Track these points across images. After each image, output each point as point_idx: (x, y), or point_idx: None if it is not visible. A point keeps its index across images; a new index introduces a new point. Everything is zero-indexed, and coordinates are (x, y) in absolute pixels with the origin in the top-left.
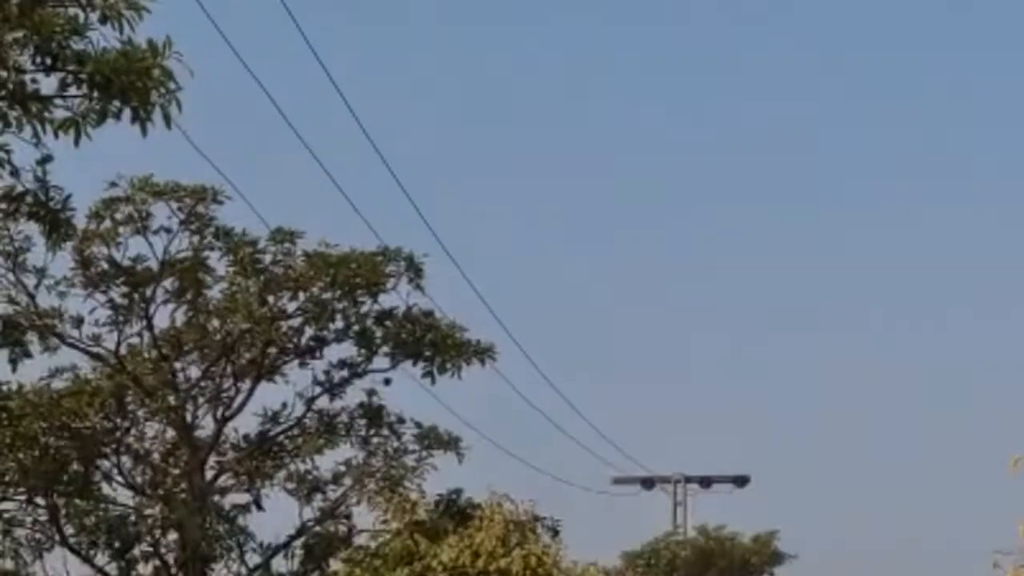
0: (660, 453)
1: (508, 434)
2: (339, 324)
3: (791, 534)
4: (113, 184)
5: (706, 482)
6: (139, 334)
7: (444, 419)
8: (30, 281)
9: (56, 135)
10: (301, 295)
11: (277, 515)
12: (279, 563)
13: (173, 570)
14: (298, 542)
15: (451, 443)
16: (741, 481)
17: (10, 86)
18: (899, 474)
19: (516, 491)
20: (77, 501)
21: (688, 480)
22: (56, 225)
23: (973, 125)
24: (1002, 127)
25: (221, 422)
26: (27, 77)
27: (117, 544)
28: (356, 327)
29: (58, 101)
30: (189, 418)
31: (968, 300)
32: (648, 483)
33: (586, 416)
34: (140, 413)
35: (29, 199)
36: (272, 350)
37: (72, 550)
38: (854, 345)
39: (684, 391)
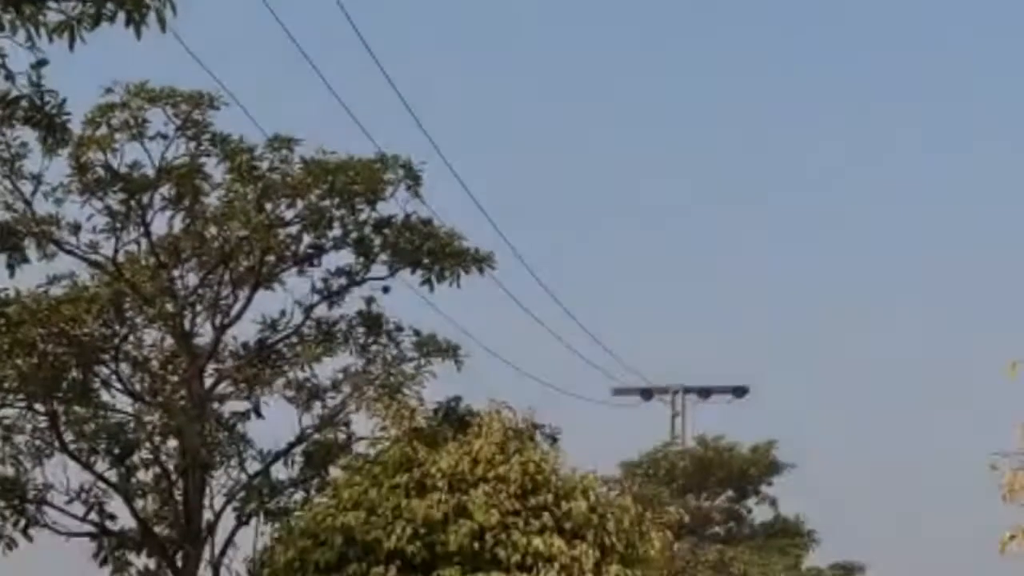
0: (659, 364)
1: (507, 344)
2: (337, 232)
3: (790, 445)
4: (108, 90)
5: (705, 393)
6: (136, 241)
7: (443, 329)
8: (27, 188)
9: (50, 39)
10: (299, 202)
11: (276, 423)
12: (279, 470)
13: (173, 477)
14: (297, 449)
15: (450, 351)
16: (740, 392)
17: None
18: (898, 382)
19: (514, 401)
20: (76, 408)
21: (687, 391)
22: (52, 130)
23: None
24: None
25: (219, 330)
26: None
27: (117, 451)
28: (354, 235)
29: (52, 4)
30: (187, 325)
31: (969, 226)
32: (647, 394)
33: (585, 326)
34: (138, 320)
35: (24, 104)
36: (270, 258)
37: (72, 456)
38: (854, 255)
39: (683, 302)
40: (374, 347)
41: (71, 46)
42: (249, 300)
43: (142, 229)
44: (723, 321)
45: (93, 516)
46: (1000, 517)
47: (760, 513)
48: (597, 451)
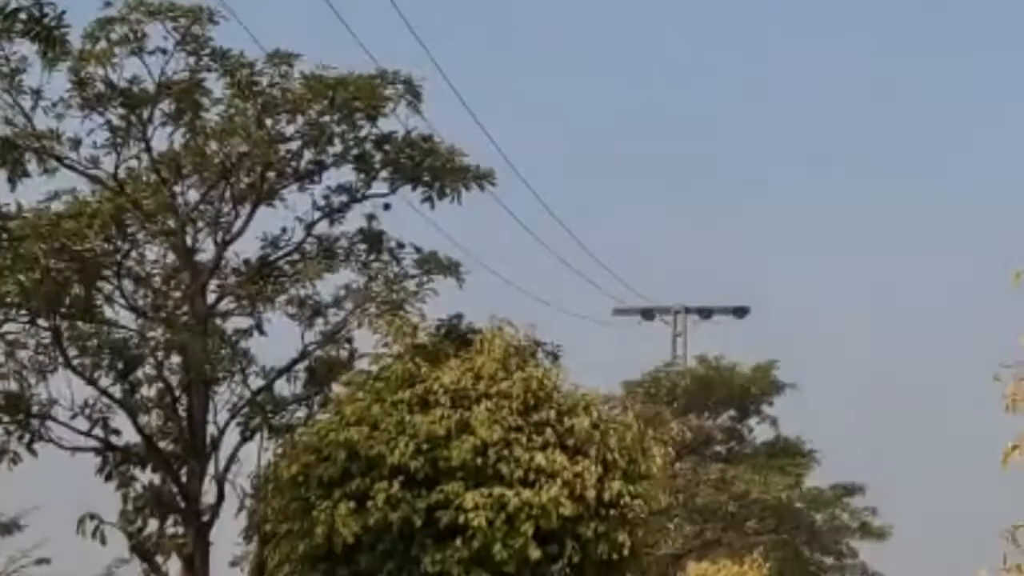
0: (660, 284)
1: (508, 264)
2: (338, 148)
3: (790, 365)
4: (107, 3)
5: (706, 313)
6: (137, 157)
7: (444, 247)
8: (26, 102)
9: None
10: (299, 118)
11: (279, 339)
12: (282, 386)
13: (177, 392)
14: (300, 366)
15: (451, 268)
16: (741, 312)
17: None
18: (899, 299)
19: (516, 320)
20: (79, 324)
21: (688, 311)
22: (51, 43)
23: None
24: None
25: (221, 246)
26: None
27: (120, 366)
28: (355, 151)
29: None
30: (189, 242)
31: (969, 139)
32: (648, 314)
33: (586, 245)
34: (140, 236)
35: (23, 16)
36: (271, 174)
37: (75, 372)
38: (857, 176)
39: (685, 221)
40: (376, 264)
41: None
42: (250, 216)
43: (143, 144)
44: (725, 240)
45: (97, 431)
46: (1003, 430)
47: (761, 433)
48: (599, 371)
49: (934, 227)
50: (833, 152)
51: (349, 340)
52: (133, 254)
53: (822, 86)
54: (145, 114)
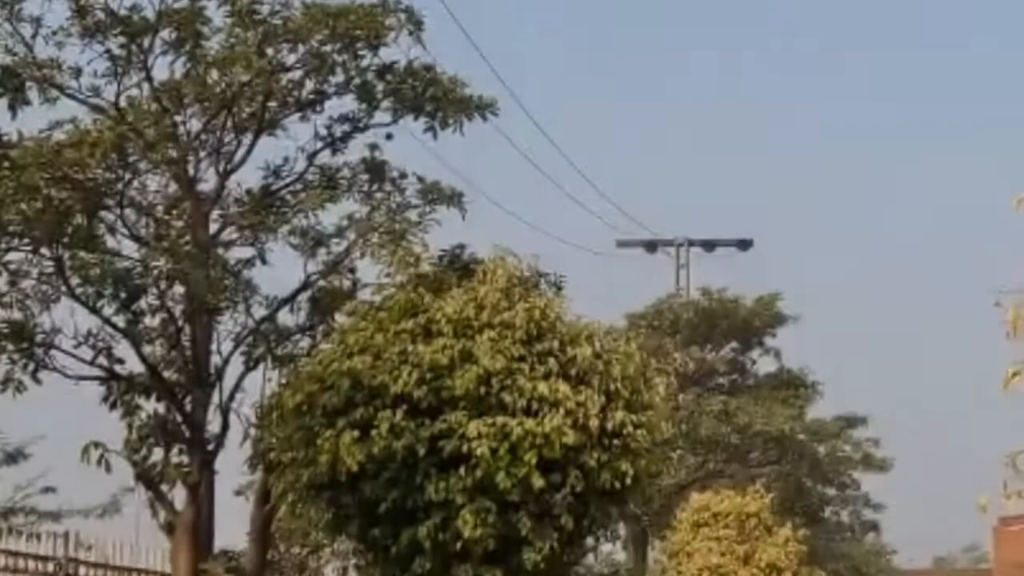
0: (664, 217)
1: (510, 196)
2: (339, 78)
3: (793, 298)
4: None
5: (709, 245)
6: (138, 86)
7: (446, 179)
8: (26, 31)
9: None
10: (300, 47)
11: (281, 269)
12: (285, 316)
13: (180, 322)
14: (303, 296)
15: (454, 198)
16: (744, 245)
17: None
18: (899, 229)
19: (518, 251)
20: (82, 253)
21: (691, 244)
22: None
23: None
24: None
25: (223, 176)
26: None
27: (123, 295)
28: (356, 81)
29: None
30: (191, 171)
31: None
32: (651, 246)
33: (589, 177)
34: (142, 165)
35: None
36: (272, 103)
37: (79, 301)
38: (856, 107)
39: (689, 152)
40: (378, 194)
41: None
42: (252, 146)
43: (143, 74)
44: (728, 173)
45: (101, 360)
46: (1002, 357)
47: (764, 365)
48: (602, 303)
49: (936, 156)
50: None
51: (352, 270)
52: (135, 183)
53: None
54: (145, 43)
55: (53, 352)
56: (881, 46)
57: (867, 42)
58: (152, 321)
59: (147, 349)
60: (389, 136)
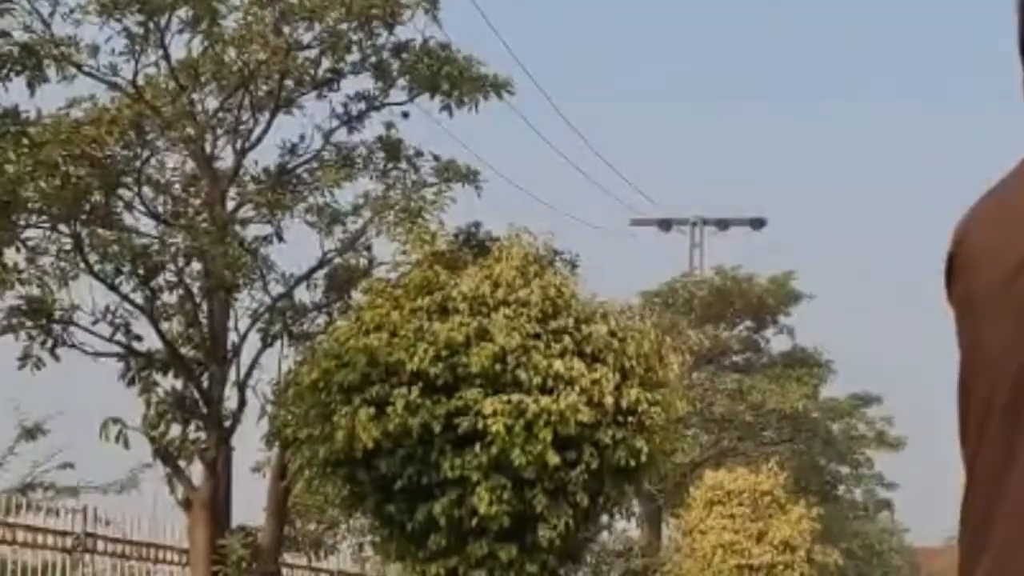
0: (678, 195)
1: (526, 175)
2: (355, 56)
3: (807, 276)
4: None
5: (723, 224)
6: (155, 64)
7: (461, 157)
8: (45, 9)
9: None
10: (316, 26)
11: (298, 247)
12: (301, 293)
13: (198, 299)
14: (319, 273)
15: (469, 176)
16: (758, 223)
17: None
18: (912, 211)
19: (534, 229)
20: (100, 230)
21: (705, 222)
22: None
23: None
24: None
25: (240, 154)
26: None
27: (141, 272)
28: (372, 59)
29: None
30: (208, 149)
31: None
32: (665, 224)
33: (605, 157)
34: (159, 143)
35: None
36: (289, 82)
37: (97, 277)
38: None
39: (704, 132)
40: (394, 172)
41: None
42: (269, 124)
43: (160, 52)
44: (741, 152)
45: (119, 337)
46: None
47: (778, 343)
48: (616, 281)
49: (945, 133)
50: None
51: (368, 248)
52: (152, 161)
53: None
54: (163, 21)
55: (71, 329)
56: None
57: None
58: (170, 298)
59: (165, 326)
60: (405, 114)
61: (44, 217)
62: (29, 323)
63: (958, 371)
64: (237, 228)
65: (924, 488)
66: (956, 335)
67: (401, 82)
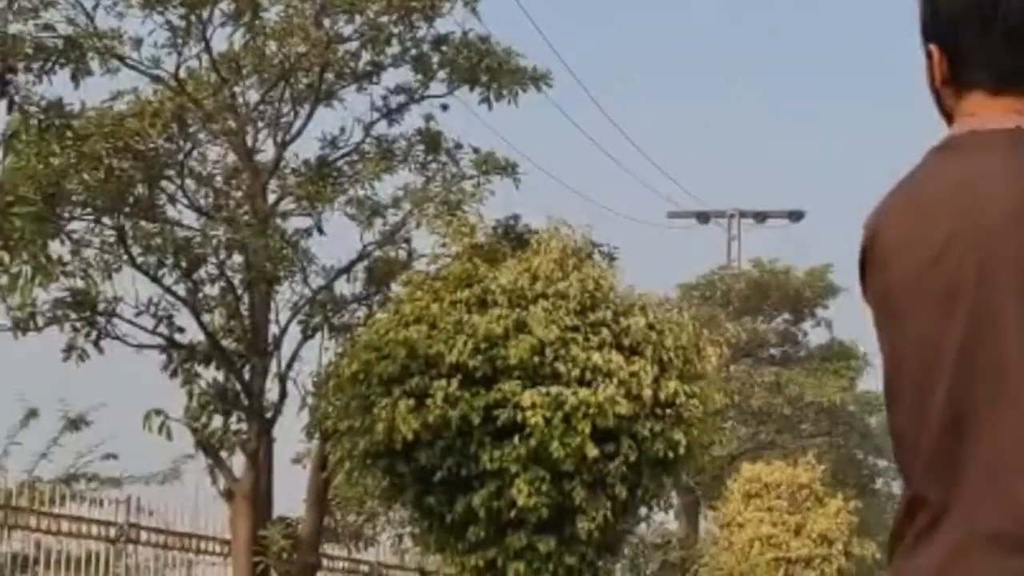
0: (716, 188)
1: (565, 168)
2: (395, 49)
3: (845, 269)
4: None
5: (761, 217)
6: (197, 57)
7: (501, 150)
8: (88, 2)
9: None
10: (357, 19)
11: (338, 240)
12: (341, 286)
13: (239, 291)
14: (359, 266)
15: (508, 168)
16: (796, 216)
17: None
18: None
19: (572, 221)
20: (143, 223)
21: (743, 215)
22: None
23: None
24: None
25: (281, 146)
26: None
27: (183, 264)
28: (412, 52)
29: None
30: (249, 142)
31: None
32: (703, 217)
33: (642, 149)
34: (201, 136)
35: None
36: (329, 75)
37: (140, 270)
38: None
39: (740, 126)
40: (433, 165)
41: None
42: (309, 117)
43: (202, 45)
44: (779, 146)
45: (162, 329)
46: None
47: (815, 336)
48: (654, 274)
49: None
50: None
51: (407, 240)
52: (194, 154)
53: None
54: (204, 14)
55: (115, 321)
56: None
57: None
58: (211, 290)
59: (207, 318)
60: (445, 107)
61: (88, 210)
62: (73, 315)
63: (884, 363)
64: (278, 221)
65: None
66: (876, 330)
67: (441, 75)
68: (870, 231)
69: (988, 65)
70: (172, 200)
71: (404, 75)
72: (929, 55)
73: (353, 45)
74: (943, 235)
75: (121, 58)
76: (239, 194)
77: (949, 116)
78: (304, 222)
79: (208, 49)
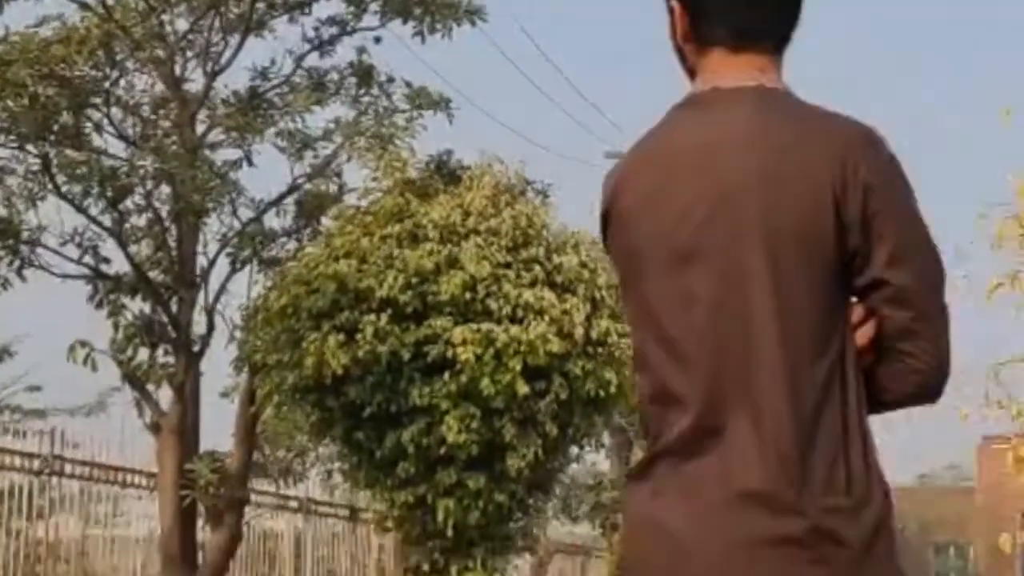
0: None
1: (500, 105)
2: None
3: None
4: None
5: None
6: None
7: (435, 85)
8: None
9: None
10: None
11: (268, 172)
12: (271, 219)
13: (166, 222)
14: (289, 199)
15: (441, 103)
16: None
17: None
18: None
19: (506, 157)
20: (68, 151)
21: None
22: None
23: None
24: None
25: (210, 77)
26: None
27: (110, 194)
28: None
29: None
30: (178, 71)
31: None
32: None
33: (577, 87)
34: (129, 64)
35: None
36: (260, 4)
37: (65, 199)
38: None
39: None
40: (365, 98)
41: None
42: (239, 47)
43: None
44: None
45: (87, 259)
46: (987, 268)
47: None
48: (588, 213)
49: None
50: None
51: (338, 174)
52: (122, 82)
53: None
54: None
55: (39, 250)
56: None
57: None
58: (138, 221)
59: (133, 249)
60: (377, 39)
61: (12, 137)
62: None
63: (630, 323)
64: (207, 152)
65: (894, 426)
66: (622, 290)
67: (373, 7)
68: (610, 191)
69: (728, 22)
70: (99, 129)
71: (336, 6)
72: (671, 11)
73: None
74: (688, 195)
75: None
76: (167, 124)
77: (692, 72)
78: (233, 154)
79: None
